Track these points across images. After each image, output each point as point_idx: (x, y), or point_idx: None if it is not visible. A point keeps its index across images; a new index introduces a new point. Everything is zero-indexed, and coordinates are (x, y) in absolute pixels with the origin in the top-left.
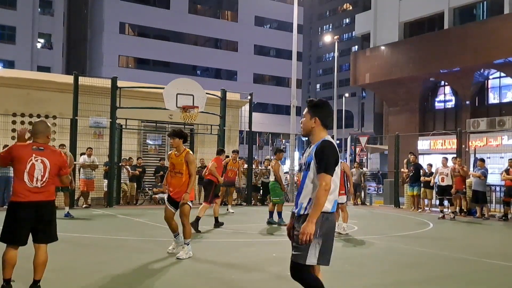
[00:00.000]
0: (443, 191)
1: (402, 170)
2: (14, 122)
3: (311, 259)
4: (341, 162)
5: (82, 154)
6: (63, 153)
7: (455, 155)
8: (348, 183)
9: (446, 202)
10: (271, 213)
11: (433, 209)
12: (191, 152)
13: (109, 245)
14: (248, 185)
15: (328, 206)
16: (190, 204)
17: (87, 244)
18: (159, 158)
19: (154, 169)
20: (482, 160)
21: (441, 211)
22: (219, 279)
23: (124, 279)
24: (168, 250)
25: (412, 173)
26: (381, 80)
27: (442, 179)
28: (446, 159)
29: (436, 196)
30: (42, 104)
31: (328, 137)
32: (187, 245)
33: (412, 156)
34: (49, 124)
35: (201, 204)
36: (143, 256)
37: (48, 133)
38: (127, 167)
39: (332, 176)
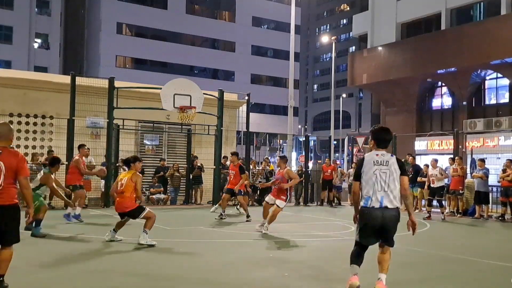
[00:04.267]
0: (434, 193)
1: None
2: (11, 123)
3: None
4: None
5: None
6: (21, 154)
7: (452, 156)
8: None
9: (435, 202)
10: None
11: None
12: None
13: (105, 245)
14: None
15: None
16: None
17: (83, 244)
18: (158, 159)
19: (153, 170)
20: (483, 161)
21: (428, 212)
22: (217, 279)
23: (120, 279)
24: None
25: (411, 175)
26: (379, 80)
27: (433, 181)
28: (436, 160)
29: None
30: (39, 104)
31: None
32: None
33: (410, 158)
34: (11, 127)
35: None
36: (140, 255)
37: (11, 136)
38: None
39: None
